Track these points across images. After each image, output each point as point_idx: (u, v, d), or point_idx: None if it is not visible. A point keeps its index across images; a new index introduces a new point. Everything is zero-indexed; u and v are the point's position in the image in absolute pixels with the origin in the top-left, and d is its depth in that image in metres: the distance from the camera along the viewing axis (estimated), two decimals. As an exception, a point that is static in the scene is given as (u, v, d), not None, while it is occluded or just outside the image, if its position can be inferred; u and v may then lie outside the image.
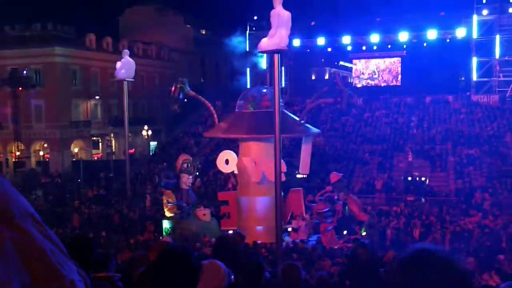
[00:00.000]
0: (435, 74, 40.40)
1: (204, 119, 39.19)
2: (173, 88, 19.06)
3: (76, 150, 43.84)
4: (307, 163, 18.26)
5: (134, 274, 4.73)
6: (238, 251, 5.05)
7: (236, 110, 19.51)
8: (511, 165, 27.83)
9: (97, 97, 44.99)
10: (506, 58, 37.91)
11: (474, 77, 38.64)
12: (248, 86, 38.78)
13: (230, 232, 19.26)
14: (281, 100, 15.97)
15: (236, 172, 19.43)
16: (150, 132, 47.73)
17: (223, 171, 20.10)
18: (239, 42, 40.00)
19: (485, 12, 37.63)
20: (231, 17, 42.46)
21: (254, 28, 42.89)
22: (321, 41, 40.32)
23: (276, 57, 15.10)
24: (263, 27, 39.17)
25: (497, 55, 37.79)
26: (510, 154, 28.83)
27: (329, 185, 18.40)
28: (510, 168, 27.44)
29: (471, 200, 24.51)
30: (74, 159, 41.53)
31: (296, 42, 40.07)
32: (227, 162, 19.42)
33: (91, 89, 44.72)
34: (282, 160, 16.24)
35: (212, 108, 19.90)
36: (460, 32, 37.99)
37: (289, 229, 18.91)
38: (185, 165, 18.96)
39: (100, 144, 46.73)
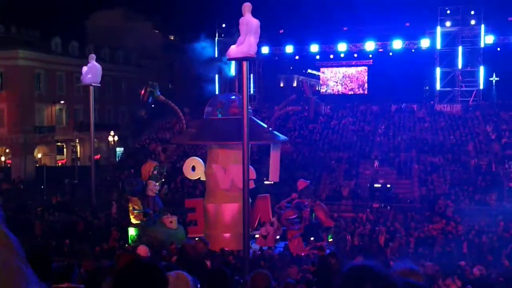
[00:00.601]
0: (400, 83, 41.24)
1: (172, 125, 38.89)
2: (143, 91, 18.83)
3: (39, 155, 42.79)
4: (277, 171, 18.30)
5: (99, 285, 4.61)
6: (202, 260, 5.00)
7: (204, 116, 19.42)
8: (472, 173, 28.60)
9: (62, 102, 44.09)
10: (468, 69, 39.04)
11: (438, 86, 39.63)
12: (217, 93, 38.73)
13: (196, 239, 19.16)
14: (249, 107, 15.98)
15: (202, 179, 19.30)
16: (116, 138, 47.05)
17: (190, 178, 19.94)
18: (208, 48, 39.91)
19: (448, 23, 38.70)
20: (200, 23, 42.40)
21: (223, 35, 42.92)
22: (289, 49, 40.68)
23: (245, 64, 15.12)
24: (232, 34, 39.22)
25: (459, 66, 38.87)
26: (471, 162, 29.61)
27: (296, 192, 18.47)
28: (472, 176, 28.19)
29: (434, 207, 25.03)
30: (37, 165, 40.51)
31: (265, 50, 40.30)
32: (193, 168, 19.28)
33: (56, 93, 43.80)
34: (251, 167, 16.24)
35: (181, 114, 19.76)
36: (425, 43, 38.96)
37: (257, 236, 18.88)
38: (154, 172, 18.73)
39: (65, 149, 45.76)
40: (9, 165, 41.13)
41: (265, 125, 18.49)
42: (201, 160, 19.32)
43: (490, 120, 35.11)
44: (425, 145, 32.54)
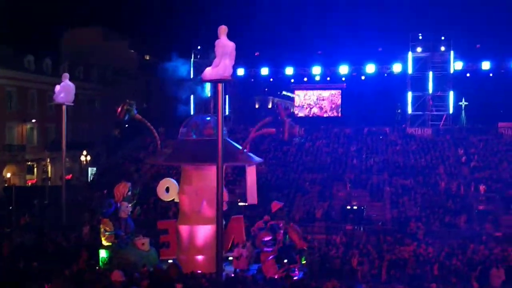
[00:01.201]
0: (373, 107, 41.98)
1: (146, 145, 38.59)
2: (119, 109, 18.65)
3: (8, 175, 41.78)
4: (254, 193, 18.24)
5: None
6: (173, 285, 4.94)
7: (179, 137, 19.34)
8: (443, 195, 29.06)
9: (33, 121, 43.35)
10: (439, 94, 40.03)
11: (409, 110, 40.45)
12: (192, 114, 38.68)
13: (170, 261, 18.87)
14: (224, 129, 16.00)
15: (176, 200, 19.12)
16: (89, 157, 46.37)
17: (164, 199, 19.72)
18: (183, 69, 39.93)
19: (419, 49, 39.82)
20: (176, 44, 42.49)
21: (198, 56, 43.09)
22: (264, 71, 41.12)
23: (220, 86, 15.20)
24: (208, 56, 39.43)
25: (430, 90, 39.83)
26: (441, 185, 30.11)
27: (269, 214, 18.44)
28: (442, 199, 28.64)
29: (406, 229, 25.29)
30: (6, 185, 39.51)
31: (240, 72, 40.63)
32: (167, 190, 19.10)
33: (28, 112, 43.07)
34: (224, 189, 16.18)
35: (156, 133, 19.64)
36: (397, 68, 39.90)
37: (230, 258, 18.72)
38: (128, 193, 18.47)
39: (35, 169, 44.82)
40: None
41: (239, 147, 18.50)
42: (175, 182, 19.17)
43: (459, 143, 35.92)
44: (396, 167, 33.00)
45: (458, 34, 39.95)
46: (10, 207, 30.88)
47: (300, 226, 20.11)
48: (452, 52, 39.13)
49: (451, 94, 39.80)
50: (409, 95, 40.36)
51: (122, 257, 17.61)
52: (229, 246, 18.73)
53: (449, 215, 26.67)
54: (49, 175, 43.39)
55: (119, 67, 54.48)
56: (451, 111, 40.06)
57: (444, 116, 39.82)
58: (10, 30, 51.63)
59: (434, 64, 39.69)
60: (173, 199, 19.28)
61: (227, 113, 43.56)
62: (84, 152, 45.44)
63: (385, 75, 40.66)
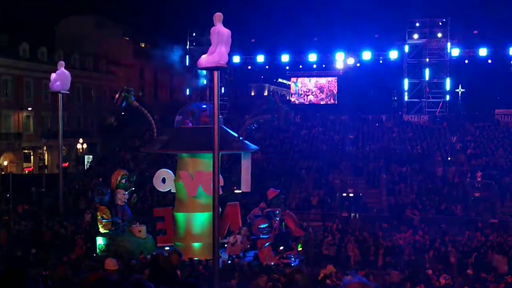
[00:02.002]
0: (370, 94, 41.95)
1: (142, 133, 38.50)
2: (117, 96, 18.60)
3: (5, 163, 41.75)
4: (248, 180, 18.30)
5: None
6: (175, 272, 4.98)
7: (175, 125, 19.32)
8: (439, 183, 29.18)
9: (29, 109, 43.22)
10: (435, 81, 39.99)
11: (406, 97, 40.44)
12: (188, 101, 38.58)
13: (167, 249, 18.96)
14: (220, 116, 15.98)
15: (173, 191, 19.13)
16: (85, 146, 46.33)
17: (160, 190, 19.73)
18: (179, 56, 39.78)
19: (416, 36, 39.60)
20: (171, 32, 42.27)
21: (194, 44, 42.86)
22: (260, 58, 40.90)
23: (216, 73, 15.14)
24: (203, 43, 39.22)
25: (426, 77, 39.79)
26: (438, 172, 30.22)
27: (265, 202, 18.51)
28: (438, 186, 28.77)
29: (402, 216, 25.43)
30: (3, 173, 39.48)
31: (236, 59, 40.41)
32: (163, 180, 19.13)
33: (24, 100, 42.92)
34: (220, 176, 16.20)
35: (152, 121, 19.61)
36: (393, 54, 39.71)
37: (226, 245, 18.83)
38: (122, 181, 18.49)
39: (32, 157, 44.78)
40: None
41: (235, 134, 18.50)
42: (171, 172, 19.18)
43: (456, 131, 35.97)
44: (393, 155, 33.08)
45: (455, 20, 39.73)
46: (8, 195, 30.91)
47: (296, 213, 20.23)
48: (449, 39, 39.02)
49: (448, 81, 39.77)
50: (406, 82, 40.33)
51: (119, 244, 17.71)
52: (225, 233, 18.83)
53: (445, 202, 26.81)
54: (46, 163, 43.36)
55: (114, 55, 54.17)
56: (447, 98, 40.07)
57: (441, 103, 39.84)
58: (5, 18, 51.19)
59: (430, 51, 39.57)
60: (170, 190, 19.30)
61: (222, 101, 43.46)
62: (80, 140, 45.40)
63: (381, 62, 40.51)
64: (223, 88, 43.27)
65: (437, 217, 25.55)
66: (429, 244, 20.18)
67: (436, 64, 39.86)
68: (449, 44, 39.01)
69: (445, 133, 36.05)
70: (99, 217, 18.37)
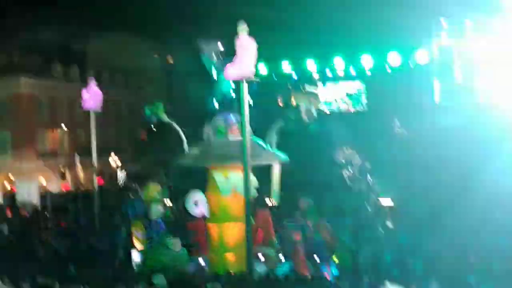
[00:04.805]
0: (399, 99, 41.31)
1: (173, 147, 38.89)
2: (147, 111, 18.91)
3: (43, 181, 42.86)
4: (278, 191, 18.27)
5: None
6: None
7: (204, 137, 19.47)
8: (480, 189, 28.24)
9: (64, 127, 44.32)
10: (467, 83, 39.07)
11: (437, 101, 39.67)
12: (216, 114, 38.76)
13: (201, 261, 19.04)
14: (248, 127, 16.04)
15: (206, 215, 19.19)
16: (118, 161, 47.18)
17: (193, 213, 19.81)
18: (206, 69, 40.08)
19: (445, 36, 38.83)
20: (198, 44, 42.58)
21: (220, 55, 43.08)
22: (286, 67, 40.88)
23: (243, 84, 15.23)
24: (230, 54, 39.45)
25: (458, 80, 38.93)
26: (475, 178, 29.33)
27: (298, 211, 18.41)
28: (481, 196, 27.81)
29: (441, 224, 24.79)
30: (41, 191, 40.51)
31: (262, 69, 40.49)
32: (196, 203, 19.25)
33: (58, 119, 44.06)
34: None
35: (183, 135, 19.82)
36: (422, 57, 38.99)
37: (262, 258, 18.77)
38: (156, 195, 18.74)
39: (68, 174, 45.82)
40: (13, 192, 41.17)
41: (265, 145, 18.51)
42: (203, 195, 19.29)
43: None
44: (427, 161, 32.43)
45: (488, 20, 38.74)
46: (45, 213, 31.64)
47: (330, 223, 19.99)
48: (481, 39, 38.06)
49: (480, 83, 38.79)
50: (436, 85, 39.61)
51: (154, 258, 17.87)
52: (259, 240, 18.80)
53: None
54: (81, 180, 44.21)
55: (142, 70, 55.18)
56: (481, 100, 39.07)
57: (474, 106, 38.88)
58: (37, 39, 52.78)
59: (461, 53, 38.77)
60: (203, 213, 19.37)
61: (250, 111, 43.55)
62: (114, 156, 46.23)
63: (410, 65, 39.92)
64: (250, 99, 43.38)
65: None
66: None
67: (467, 66, 38.98)
68: (481, 45, 38.06)
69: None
70: (133, 231, 18.62)
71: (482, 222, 24.04)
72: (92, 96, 26.58)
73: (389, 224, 25.46)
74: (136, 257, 18.37)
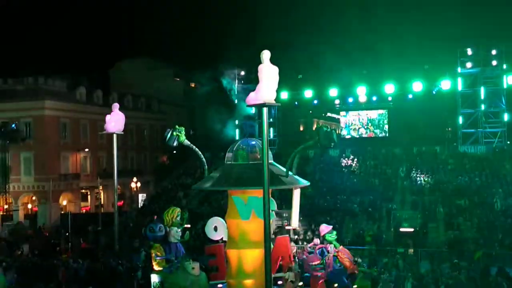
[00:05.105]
0: (422, 125, 41.15)
1: (193, 171, 39.25)
2: (168, 135, 19.11)
3: (64, 202, 43.48)
4: (296, 215, 18.26)
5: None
6: None
7: (225, 162, 19.63)
8: (501, 216, 27.95)
9: (86, 150, 45.07)
10: (492, 110, 38.83)
11: (461, 128, 39.40)
12: (237, 138, 39.17)
13: (220, 286, 19.02)
14: (269, 152, 16.15)
15: (225, 239, 19.25)
16: (139, 184, 47.61)
17: (212, 239, 19.87)
18: (228, 95, 40.72)
19: (469, 64, 38.77)
20: (220, 70, 43.36)
21: (242, 81, 43.77)
22: (308, 93, 41.17)
23: (264, 110, 15.41)
24: (251, 80, 40.02)
25: (482, 107, 38.72)
26: (499, 205, 29.01)
27: (318, 238, 18.34)
28: (500, 219, 27.54)
29: (462, 251, 24.47)
30: (62, 212, 41.10)
31: (284, 95, 40.86)
32: (215, 229, 19.31)
33: (81, 141, 44.86)
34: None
35: (203, 159, 20.00)
36: (445, 85, 38.91)
37: (280, 282, 18.66)
38: (177, 218, 18.86)
39: (89, 196, 46.42)
40: (35, 212, 41.87)
41: (285, 170, 18.58)
42: (223, 221, 19.39)
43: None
44: (449, 187, 32.12)
45: (510, 47, 38.68)
46: (67, 233, 32.05)
47: (349, 250, 19.85)
48: (504, 66, 37.97)
49: (505, 110, 38.54)
50: (460, 112, 39.41)
51: (173, 281, 17.90)
52: (277, 267, 18.70)
53: (509, 236, 25.62)
54: (102, 202, 44.80)
55: (165, 95, 56.04)
56: (505, 127, 38.74)
57: (499, 133, 38.57)
58: (62, 64, 54.24)
59: (485, 79, 38.66)
60: (222, 238, 19.41)
61: (272, 136, 43.79)
62: (134, 179, 46.71)
63: (433, 92, 39.79)
64: (272, 124, 43.73)
65: (501, 252, 24.42)
66: (493, 282, 19.25)
67: (492, 93, 38.80)
68: (505, 72, 37.96)
69: (504, 164, 34.74)
70: (153, 254, 18.70)
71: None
72: (115, 120, 27.16)
73: (410, 251, 25.23)
74: (155, 279, 18.43)
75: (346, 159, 38.61)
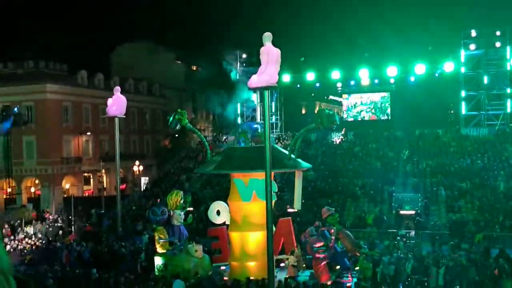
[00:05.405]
0: (424, 108, 41.09)
1: (195, 154, 39.38)
2: (171, 119, 19.25)
3: (67, 186, 43.70)
4: (299, 198, 18.43)
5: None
6: None
7: (227, 145, 19.73)
8: (502, 198, 28.06)
9: (88, 134, 45.15)
10: (494, 92, 38.72)
11: (463, 110, 39.33)
12: (239, 122, 39.19)
13: (223, 268, 19.28)
14: (272, 135, 16.24)
15: (227, 223, 19.43)
16: (141, 168, 47.77)
17: (215, 222, 20.06)
18: (230, 78, 40.65)
19: (472, 46, 38.53)
20: (221, 53, 43.23)
21: (244, 64, 43.63)
22: (310, 76, 41.02)
23: (266, 93, 15.44)
24: (253, 63, 39.92)
25: (485, 89, 38.61)
26: (500, 187, 29.11)
27: (320, 220, 18.48)
28: (502, 202, 27.66)
29: (463, 233, 24.64)
30: (65, 195, 41.35)
31: (286, 78, 40.74)
32: (218, 213, 19.51)
33: (83, 125, 44.93)
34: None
35: (206, 142, 20.12)
36: (448, 66, 38.70)
37: (282, 264, 18.90)
38: (181, 201, 19.07)
39: (91, 180, 46.63)
40: (38, 196, 42.14)
41: (287, 153, 18.67)
42: (225, 205, 19.53)
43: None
44: (451, 170, 32.20)
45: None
46: (70, 217, 32.30)
47: (351, 232, 20.01)
48: (508, 48, 37.75)
49: (508, 92, 38.40)
50: (463, 94, 39.30)
51: (176, 264, 18.14)
52: (279, 249, 18.90)
53: (510, 219, 25.75)
54: (104, 185, 45.02)
55: (166, 78, 55.90)
56: (508, 110, 38.66)
57: (501, 115, 38.52)
58: (63, 48, 54.05)
59: (488, 62, 38.48)
60: (224, 222, 19.60)
61: (274, 120, 43.83)
62: (137, 163, 46.84)
63: (436, 75, 39.63)
64: (274, 107, 43.71)
65: (502, 234, 24.57)
66: (494, 264, 19.41)
67: (495, 75, 38.67)
68: (508, 54, 37.77)
69: (507, 146, 34.77)
70: (156, 237, 18.93)
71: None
72: (116, 103, 27.21)
73: (411, 233, 25.41)
74: (158, 262, 18.67)
75: (337, 137, 38.86)
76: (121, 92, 27.57)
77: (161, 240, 18.68)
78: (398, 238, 23.95)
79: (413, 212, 27.65)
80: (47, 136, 41.47)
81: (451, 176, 31.39)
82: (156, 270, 18.52)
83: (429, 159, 34.23)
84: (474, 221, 25.91)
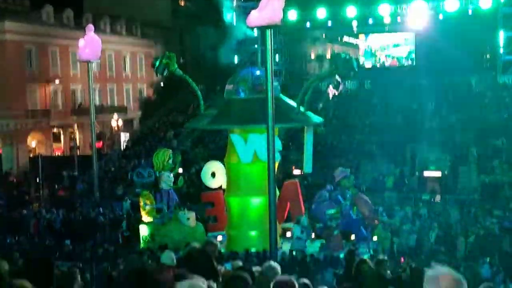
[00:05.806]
0: (455, 52, 40.71)
1: (185, 107, 39.25)
2: (157, 64, 19.02)
3: (33, 144, 43.70)
4: (310, 159, 18.47)
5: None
6: (213, 266, 5.16)
7: (225, 96, 19.61)
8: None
9: (57, 82, 44.79)
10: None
11: (502, 55, 39.05)
12: (237, 67, 38.84)
13: (219, 238, 19.49)
14: (276, 84, 16.12)
15: (224, 187, 19.49)
16: (120, 122, 47.69)
17: (209, 186, 20.12)
18: (225, 14, 39.99)
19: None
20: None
21: (242, -1, 42.90)
22: (321, 12, 40.40)
23: (269, 33, 15.23)
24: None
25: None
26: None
27: (332, 183, 18.61)
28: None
29: (497, 198, 24.93)
30: (31, 155, 41.41)
31: (292, 15, 40.14)
32: (213, 175, 19.53)
33: (50, 72, 44.51)
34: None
35: (199, 92, 19.99)
36: (485, 2, 38.04)
37: (288, 234, 19.14)
38: (168, 161, 19.06)
39: (62, 136, 46.62)
40: (-1, 155, 42.22)
41: (295, 104, 18.61)
42: (221, 165, 19.54)
43: None
44: (485, 125, 32.27)
45: None
46: (37, 180, 32.43)
47: (368, 197, 20.22)
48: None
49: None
50: (501, 35, 38.90)
51: (165, 234, 18.27)
52: (285, 216, 19.09)
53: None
54: (78, 143, 45.05)
55: (150, 16, 55.02)
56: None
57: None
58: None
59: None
60: (220, 186, 19.67)
61: (278, 65, 43.49)
62: (115, 116, 46.71)
63: (470, 12, 39.07)
64: (277, 50, 43.25)
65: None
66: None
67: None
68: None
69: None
70: (141, 203, 19.03)
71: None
72: (89, 46, 26.92)
73: (437, 198, 25.70)
74: (144, 232, 18.83)
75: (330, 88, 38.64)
76: (95, 32, 27.25)
77: (147, 206, 18.77)
78: (421, 203, 24.24)
79: (439, 173, 27.86)
80: (7, 85, 41.05)
81: (484, 132, 31.45)
82: (141, 241, 18.73)
83: (459, 112, 34.23)
84: (510, 184, 26.17)
